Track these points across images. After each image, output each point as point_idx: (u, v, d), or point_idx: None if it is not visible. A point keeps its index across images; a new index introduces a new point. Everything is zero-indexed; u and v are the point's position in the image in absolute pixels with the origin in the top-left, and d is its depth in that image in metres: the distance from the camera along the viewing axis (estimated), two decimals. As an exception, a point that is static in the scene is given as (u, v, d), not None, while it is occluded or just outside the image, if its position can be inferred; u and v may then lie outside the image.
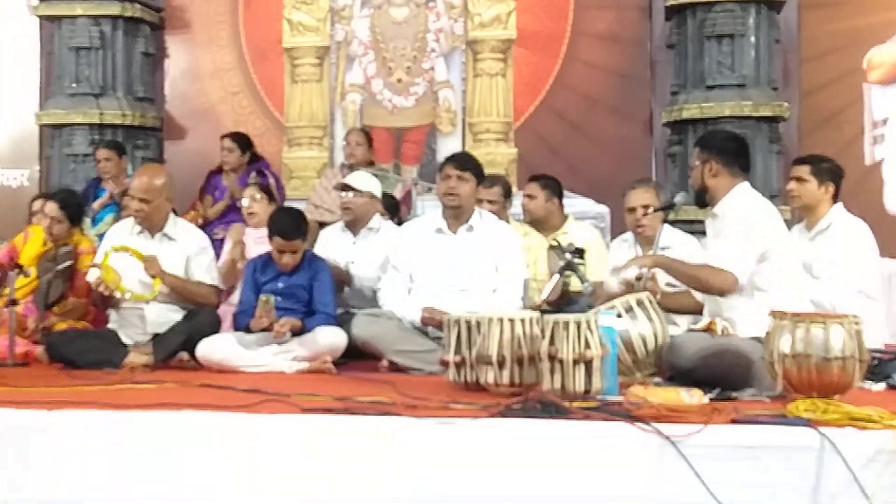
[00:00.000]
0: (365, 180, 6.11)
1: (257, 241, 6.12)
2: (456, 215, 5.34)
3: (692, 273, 4.58)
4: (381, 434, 3.63)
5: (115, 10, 8.33)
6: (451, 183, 5.29)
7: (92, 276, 5.38)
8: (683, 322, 5.29)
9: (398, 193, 7.27)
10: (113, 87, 8.43)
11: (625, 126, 8.37)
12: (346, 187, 6.02)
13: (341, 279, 5.87)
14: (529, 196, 6.26)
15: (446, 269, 5.29)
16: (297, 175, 8.72)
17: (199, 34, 8.86)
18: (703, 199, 4.72)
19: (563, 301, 5.69)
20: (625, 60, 8.41)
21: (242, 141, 7.65)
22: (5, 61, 8.88)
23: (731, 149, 4.70)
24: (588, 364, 3.93)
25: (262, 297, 5.22)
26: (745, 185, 4.66)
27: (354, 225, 6.05)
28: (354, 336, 5.24)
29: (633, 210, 5.58)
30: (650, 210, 5.47)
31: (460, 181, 5.28)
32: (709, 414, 3.59)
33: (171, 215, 5.66)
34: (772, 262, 4.46)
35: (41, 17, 8.64)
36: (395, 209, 6.72)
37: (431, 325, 5.13)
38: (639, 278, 4.60)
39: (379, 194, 6.15)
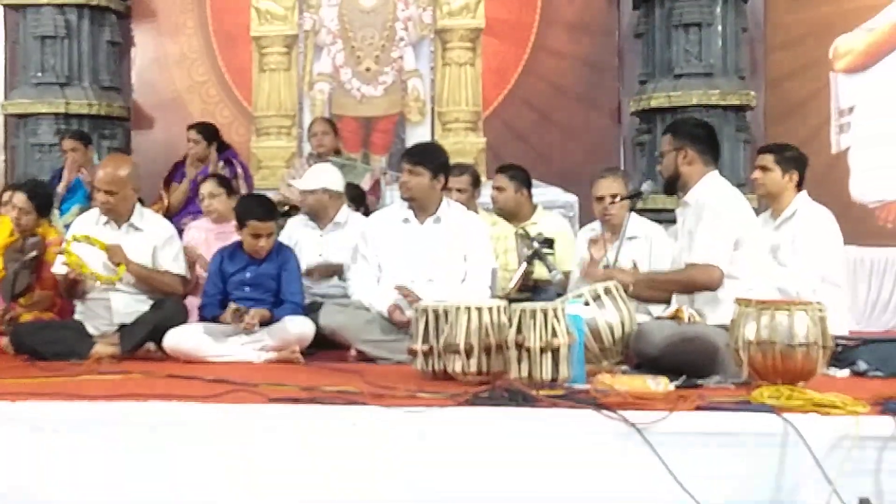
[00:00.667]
0: (313, 178, 6.05)
1: (217, 237, 6.10)
2: (419, 207, 5.34)
3: (676, 279, 4.62)
4: (348, 424, 3.63)
5: (80, -2, 8.27)
6: (404, 177, 5.31)
7: (58, 264, 5.35)
8: (659, 311, 5.32)
9: (366, 183, 7.25)
10: (79, 77, 8.37)
11: (593, 115, 8.40)
12: (302, 193, 6.02)
13: (333, 271, 5.87)
14: (498, 188, 6.27)
15: (414, 259, 5.29)
16: (265, 165, 8.69)
17: (165, 23, 8.80)
18: (674, 186, 4.75)
19: (531, 290, 5.71)
20: (593, 49, 8.43)
21: (208, 131, 7.60)
22: (-31, 51, 8.79)
23: (703, 136, 4.74)
24: (555, 352, 3.95)
25: (232, 305, 5.20)
26: (715, 174, 4.70)
27: (320, 219, 6.04)
28: (322, 326, 5.24)
29: (601, 199, 5.60)
30: (618, 199, 5.49)
31: (411, 175, 5.28)
32: (674, 401, 3.61)
33: (138, 205, 5.62)
34: (743, 250, 4.50)
35: (6, 6, 8.57)
36: (362, 199, 6.71)
37: (398, 324, 5.13)
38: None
39: (338, 187, 6.07)
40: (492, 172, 7.36)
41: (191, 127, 7.66)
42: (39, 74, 8.30)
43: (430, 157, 5.35)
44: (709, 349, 4.25)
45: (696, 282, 4.51)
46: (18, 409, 3.77)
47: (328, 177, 6.06)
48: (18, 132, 8.44)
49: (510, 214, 6.22)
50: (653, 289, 4.78)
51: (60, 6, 8.28)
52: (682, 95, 7.67)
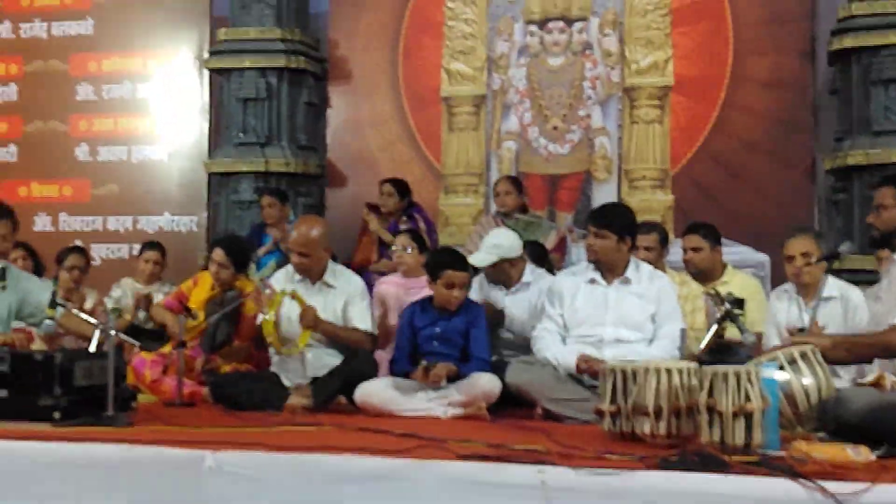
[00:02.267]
0: (488, 251, 5.95)
1: (407, 292, 6.20)
2: (607, 268, 5.32)
3: (877, 342, 4.43)
4: (536, 482, 3.61)
5: (281, 62, 8.64)
6: (589, 239, 5.32)
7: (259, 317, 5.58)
8: (846, 374, 5.13)
9: (552, 241, 7.26)
10: (278, 137, 8.74)
11: (786, 173, 8.18)
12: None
13: (494, 317, 5.90)
14: (695, 248, 6.17)
15: (601, 320, 5.26)
16: (453, 222, 8.82)
17: (360, 84, 9.08)
18: (888, 242, 4.59)
19: (721, 352, 5.59)
20: (786, 106, 8.24)
21: (401, 186, 7.81)
22: (177, 112, 9.27)
23: None
24: (748, 417, 3.84)
25: (424, 363, 5.28)
26: None
27: (505, 282, 6.07)
28: (509, 383, 5.25)
29: (792, 258, 5.45)
30: (812, 259, 5.33)
31: (597, 237, 5.26)
32: (876, 472, 3.46)
33: (330, 263, 5.80)
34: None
35: (211, 70, 9.02)
36: (544, 258, 6.70)
37: (587, 372, 5.10)
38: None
39: (515, 253, 5.99)
40: (679, 230, 7.29)
41: (385, 181, 7.88)
42: (241, 135, 8.70)
43: (617, 220, 5.32)
44: (913, 418, 4.05)
45: None
46: (219, 458, 3.92)
47: (503, 248, 5.97)
48: (220, 190, 8.85)
49: (701, 274, 6.13)
50: (851, 352, 4.59)
51: (262, 70, 8.68)
52: (880, 153, 7.42)
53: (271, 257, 7.62)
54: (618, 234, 5.26)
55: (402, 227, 7.30)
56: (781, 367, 4.33)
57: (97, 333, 4.93)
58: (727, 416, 3.84)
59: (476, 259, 6.00)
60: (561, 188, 8.68)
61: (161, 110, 9.31)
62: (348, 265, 6.48)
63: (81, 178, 9.41)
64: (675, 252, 6.54)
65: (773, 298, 5.71)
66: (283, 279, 5.79)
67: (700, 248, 6.17)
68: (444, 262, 5.48)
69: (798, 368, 4.38)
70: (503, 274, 6.00)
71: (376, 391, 5.27)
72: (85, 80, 9.45)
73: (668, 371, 4.17)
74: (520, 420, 4.96)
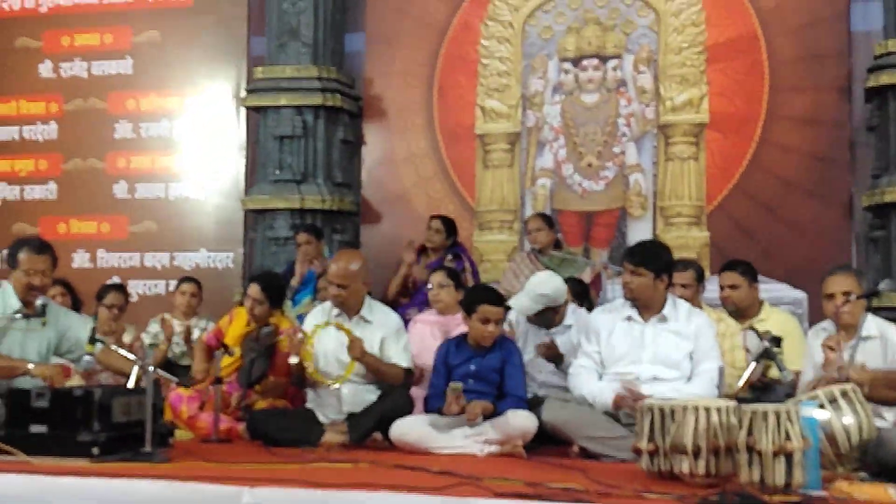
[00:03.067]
0: (533, 299, 5.95)
1: (442, 329, 6.21)
2: (643, 305, 5.30)
3: None
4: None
5: (317, 100, 8.71)
6: (625, 277, 5.29)
7: (293, 355, 5.59)
8: (890, 415, 5.06)
9: (587, 277, 7.26)
10: (313, 174, 8.79)
11: (823, 210, 8.13)
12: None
13: (555, 353, 5.88)
14: (732, 286, 6.15)
15: (637, 358, 5.23)
16: (487, 258, 8.82)
17: (395, 122, 9.13)
18: None
19: (759, 390, 5.55)
20: (822, 143, 8.20)
21: (449, 224, 7.85)
22: (214, 150, 9.36)
23: None
24: (789, 456, 3.81)
25: (452, 384, 5.28)
26: None
27: (546, 325, 6.07)
28: (545, 421, 5.23)
29: (832, 296, 5.39)
30: (852, 297, 5.28)
31: (634, 275, 5.24)
32: (920, 513, 3.42)
33: (368, 298, 5.82)
34: None
35: (248, 108, 9.10)
36: (586, 294, 6.70)
37: (626, 404, 5.05)
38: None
39: (560, 300, 6.02)
40: (715, 267, 7.25)
41: (434, 217, 7.91)
42: (277, 172, 8.75)
43: (653, 258, 5.30)
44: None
45: None
46: (256, 494, 3.92)
47: (548, 297, 5.99)
48: (256, 226, 8.91)
49: (738, 311, 6.09)
50: (891, 388, 4.55)
51: (298, 107, 8.75)
52: (919, 189, 7.37)
53: (306, 294, 7.66)
54: (654, 271, 5.24)
55: (448, 265, 7.31)
56: (822, 406, 4.30)
57: (135, 369, 4.96)
58: (767, 455, 3.81)
59: (521, 307, 5.99)
60: (596, 225, 8.67)
61: (198, 148, 9.39)
62: (383, 301, 6.49)
63: (119, 214, 9.50)
64: (712, 289, 6.50)
65: (811, 336, 5.65)
66: (320, 315, 5.81)
67: (738, 286, 6.14)
68: (480, 297, 5.50)
69: (839, 407, 4.35)
70: (546, 319, 6.01)
71: (412, 428, 5.27)
72: (123, 119, 9.56)
73: (707, 409, 4.14)
74: (556, 458, 4.94)
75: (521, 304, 5.99)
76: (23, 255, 5.24)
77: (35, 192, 9.72)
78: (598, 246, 8.63)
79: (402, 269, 7.69)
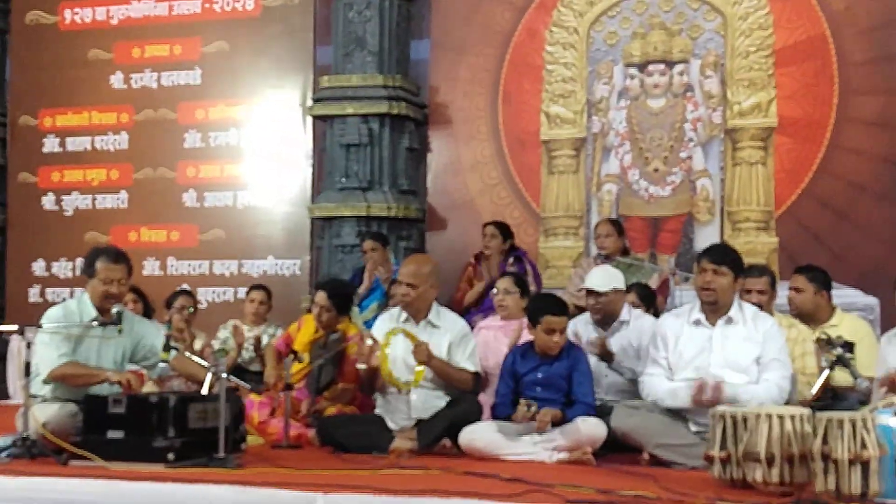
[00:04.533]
0: (603, 279, 6.04)
1: (506, 334, 6.22)
2: (713, 309, 5.25)
3: None
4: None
5: (383, 108, 8.77)
6: (706, 277, 5.18)
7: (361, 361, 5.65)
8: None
9: (654, 283, 7.22)
10: (379, 181, 8.85)
11: (894, 213, 8.00)
12: (589, 293, 6.03)
13: (606, 352, 5.87)
14: (797, 289, 6.08)
15: (705, 362, 5.18)
16: (552, 265, 8.81)
17: (460, 129, 9.16)
18: None
19: (831, 397, 5.48)
20: (894, 146, 8.06)
21: (504, 229, 7.86)
22: (281, 159, 9.45)
23: None
24: (865, 465, 3.76)
25: (524, 401, 5.27)
26: None
27: (606, 321, 6.05)
28: (614, 427, 5.22)
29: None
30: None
31: (716, 275, 5.17)
32: None
33: (435, 303, 5.85)
34: None
35: (314, 117, 9.19)
36: (652, 299, 6.66)
37: (705, 395, 4.98)
38: None
39: (621, 285, 6.09)
40: (785, 273, 7.17)
41: (488, 224, 7.93)
42: (343, 180, 8.83)
43: (733, 258, 5.26)
44: None
45: None
46: (331, 500, 3.96)
47: (616, 278, 6.08)
48: (323, 234, 8.99)
49: (808, 317, 6.02)
50: None
51: (364, 116, 8.82)
52: None
53: (372, 300, 7.71)
54: (735, 272, 5.21)
55: (510, 269, 7.33)
56: (899, 414, 4.23)
57: (209, 376, 5.03)
58: (843, 463, 3.77)
59: (590, 283, 6.00)
60: (662, 230, 8.62)
61: (265, 157, 9.49)
62: (449, 307, 6.50)
63: (189, 223, 9.64)
64: (783, 296, 6.43)
65: (884, 342, 5.57)
66: (388, 321, 5.85)
67: (802, 290, 6.05)
68: (544, 308, 5.49)
69: (915, 415, 4.27)
70: (614, 306, 5.98)
71: (481, 435, 5.29)
72: (192, 128, 9.70)
73: (781, 417, 4.11)
74: (626, 465, 4.92)
75: (590, 282, 6.03)
76: (100, 265, 5.34)
77: (107, 202, 9.90)
78: (664, 251, 8.58)
79: (483, 282, 7.71)
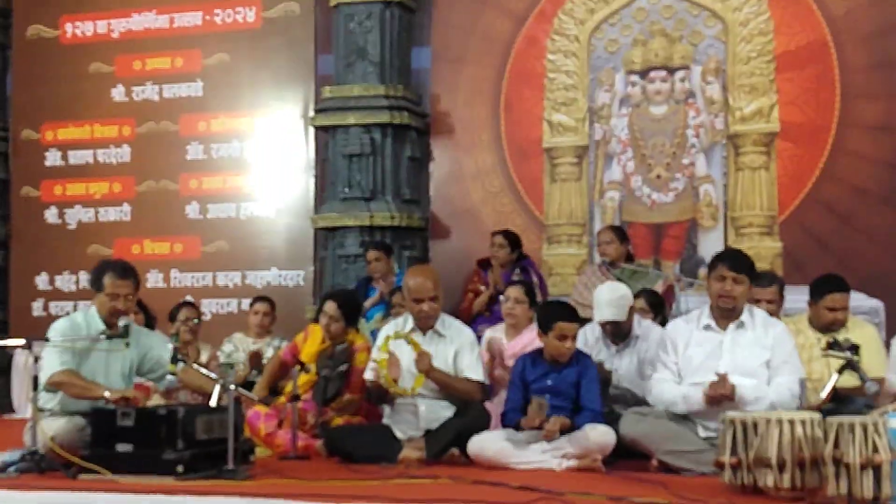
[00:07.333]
0: (617, 307, 5.94)
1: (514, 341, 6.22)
2: (724, 314, 5.24)
3: None
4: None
5: (385, 118, 8.77)
6: (726, 286, 5.14)
7: (368, 371, 5.64)
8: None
9: (659, 289, 7.20)
10: (382, 191, 8.85)
11: (898, 218, 8.02)
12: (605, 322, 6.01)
13: (603, 377, 5.85)
14: (844, 308, 5.98)
15: (715, 367, 5.17)
16: (556, 272, 8.81)
17: (462, 138, 9.16)
18: None
19: (839, 401, 5.46)
20: (896, 150, 8.09)
21: (513, 238, 7.85)
22: (283, 169, 9.46)
23: None
24: (877, 469, 3.76)
25: (536, 399, 5.26)
26: None
27: (617, 337, 6.04)
28: (623, 434, 5.21)
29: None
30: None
31: (735, 283, 5.13)
32: None
33: (442, 313, 5.84)
34: None
35: (316, 128, 9.20)
36: (661, 306, 6.65)
37: (718, 394, 4.95)
38: None
39: (631, 300, 6.03)
40: (789, 278, 7.17)
41: (497, 233, 7.92)
42: (346, 190, 8.83)
43: (750, 266, 5.25)
44: None
45: None
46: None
47: (625, 298, 5.99)
48: (327, 244, 8.99)
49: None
50: None
51: (366, 126, 8.82)
52: None
53: (378, 310, 7.71)
54: (751, 279, 5.21)
55: (516, 279, 7.32)
56: (909, 417, 4.22)
57: (217, 388, 5.02)
58: (854, 468, 3.77)
59: (609, 316, 5.94)
60: (666, 237, 8.62)
61: (268, 168, 9.50)
62: (454, 316, 6.50)
63: (192, 235, 9.64)
64: (789, 299, 6.42)
65: (893, 345, 5.57)
66: (393, 330, 5.83)
67: (846, 308, 5.95)
68: (556, 314, 5.48)
69: (927, 418, 4.27)
70: (620, 331, 5.98)
71: (490, 443, 5.28)
72: (194, 140, 9.70)
73: (791, 422, 4.10)
74: (636, 472, 4.91)
75: (607, 313, 5.96)
76: (107, 280, 5.33)
77: (109, 214, 9.90)
78: (668, 258, 8.58)
79: (489, 290, 7.71)
